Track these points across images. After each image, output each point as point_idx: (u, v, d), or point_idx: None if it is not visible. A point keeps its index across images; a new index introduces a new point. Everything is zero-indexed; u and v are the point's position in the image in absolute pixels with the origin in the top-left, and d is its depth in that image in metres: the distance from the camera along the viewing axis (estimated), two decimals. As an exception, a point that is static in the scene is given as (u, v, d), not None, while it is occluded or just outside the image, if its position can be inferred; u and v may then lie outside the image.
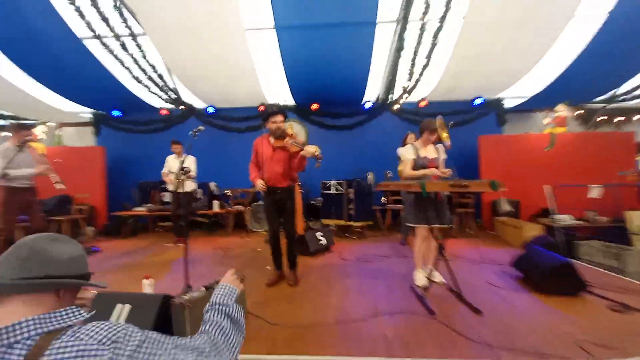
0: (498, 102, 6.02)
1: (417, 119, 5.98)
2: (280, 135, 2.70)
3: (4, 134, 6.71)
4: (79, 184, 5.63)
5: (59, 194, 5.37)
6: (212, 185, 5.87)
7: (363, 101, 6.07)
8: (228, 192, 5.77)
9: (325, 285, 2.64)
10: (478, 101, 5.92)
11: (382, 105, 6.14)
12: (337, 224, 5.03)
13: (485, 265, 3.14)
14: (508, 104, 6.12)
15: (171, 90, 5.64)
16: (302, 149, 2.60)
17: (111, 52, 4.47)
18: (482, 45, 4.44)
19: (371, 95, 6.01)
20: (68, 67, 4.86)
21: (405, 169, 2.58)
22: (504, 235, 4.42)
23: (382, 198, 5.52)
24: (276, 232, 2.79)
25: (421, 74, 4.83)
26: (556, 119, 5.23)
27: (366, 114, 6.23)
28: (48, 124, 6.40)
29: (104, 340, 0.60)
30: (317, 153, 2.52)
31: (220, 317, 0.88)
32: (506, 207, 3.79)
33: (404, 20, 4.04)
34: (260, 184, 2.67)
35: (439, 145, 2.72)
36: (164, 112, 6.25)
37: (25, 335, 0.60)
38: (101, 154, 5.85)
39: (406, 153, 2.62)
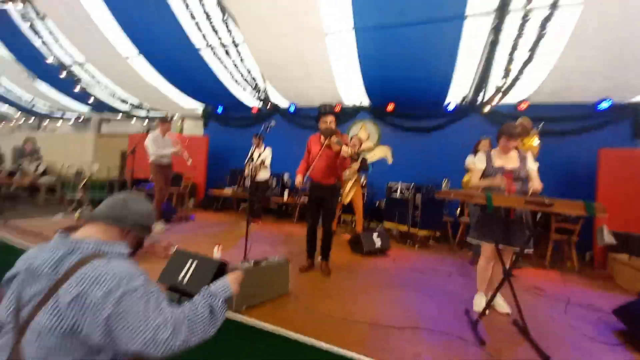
0: (635, 107, 4.62)
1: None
2: (329, 134, 2.80)
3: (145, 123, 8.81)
4: (187, 165, 6.98)
5: (174, 171, 6.79)
6: (286, 176, 6.41)
7: (446, 102, 5.57)
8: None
9: (371, 288, 2.60)
10: (604, 105, 4.69)
11: (469, 107, 5.50)
12: (399, 229, 4.82)
13: (577, 307, 2.51)
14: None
15: (262, 91, 6.38)
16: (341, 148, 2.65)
17: (218, 58, 5.39)
18: (609, 33, 3.50)
19: (456, 96, 5.46)
20: (188, 71, 6.05)
21: (473, 179, 2.30)
22: (620, 278, 3.42)
23: (457, 209, 4.99)
24: (313, 225, 2.96)
25: (520, 72, 4.12)
26: None
27: (449, 116, 5.69)
28: (174, 116, 8.11)
29: (118, 273, 0.82)
30: (349, 152, 2.71)
31: (204, 304, 1.00)
32: (609, 239, 2.92)
33: (501, 10, 3.54)
34: (299, 180, 2.86)
35: (527, 154, 2.31)
36: (255, 109, 7.11)
37: (84, 248, 0.87)
38: (205, 142, 7.09)
39: (477, 161, 2.33)
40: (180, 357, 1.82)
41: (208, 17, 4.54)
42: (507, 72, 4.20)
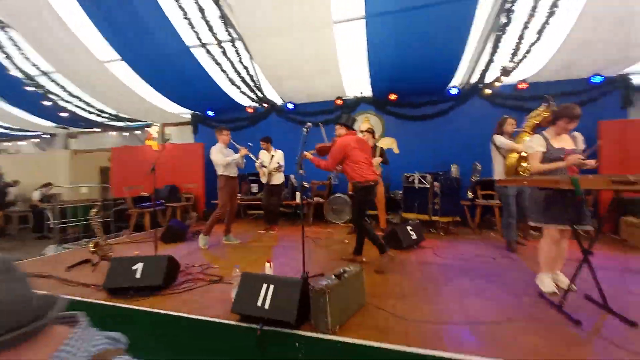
0: (624, 80, 4.95)
1: (515, 103, 5.33)
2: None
3: (137, 132, 8.09)
4: (183, 175, 6.53)
5: (170, 183, 6.33)
6: (293, 177, 6.19)
7: (448, 87, 5.64)
8: (306, 184, 6.03)
9: (432, 284, 2.56)
10: (597, 79, 4.96)
11: (471, 91, 5.61)
12: (420, 219, 4.85)
13: (626, 273, 2.66)
14: (637, 81, 4.99)
15: (258, 89, 6.07)
16: None
17: (213, 57, 5.00)
18: (611, 13, 3.66)
19: (457, 80, 5.53)
20: (177, 75, 5.59)
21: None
22: (634, 240, 3.68)
23: (469, 193, 5.11)
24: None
25: (527, 52, 4.23)
26: None
27: (451, 101, 5.77)
28: (158, 125, 7.54)
29: None
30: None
31: None
32: None
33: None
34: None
35: (576, 134, 2.35)
36: (250, 110, 6.77)
37: None
38: (200, 149, 6.66)
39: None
40: None
41: (201, 11, 4.17)
42: (513, 53, 4.30)
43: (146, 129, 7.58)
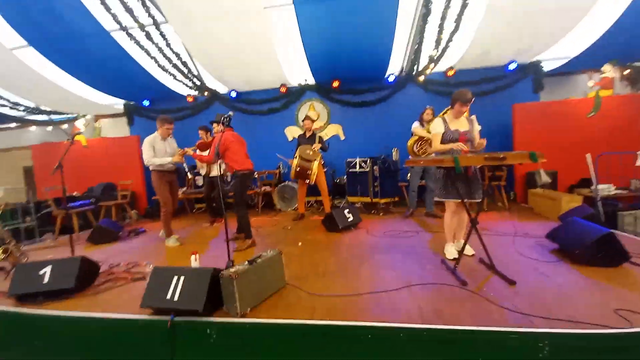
0: (535, 66, 5.55)
1: (445, 89, 5.71)
2: None
3: (64, 126, 7.26)
4: (119, 171, 6.09)
5: (104, 181, 5.88)
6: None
7: (386, 74, 5.86)
8: (255, 173, 5.96)
9: (356, 261, 2.75)
10: (512, 66, 5.50)
11: (406, 78, 5.90)
12: (363, 202, 5.10)
13: (518, 238, 3.08)
14: (547, 67, 5.63)
15: (195, 77, 5.77)
16: None
17: (137, 42, 4.62)
18: (518, 4, 4.05)
19: (394, 68, 5.77)
20: (99, 61, 5.09)
21: (434, 143, 2.54)
22: (539, 208, 4.26)
23: (408, 174, 5.46)
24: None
25: (449, 40, 4.54)
26: (602, 81, 4.77)
27: (390, 88, 6.03)
28: (86, 117, 6.85)
29: None
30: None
31: None
32: (545, 178, 3.61)
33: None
34: None
35: (473, 117, 2.62)
36: (190, 99, 6.43)
37: None
38: (136, 142, 6.22)
39: (435, 126, 2.57)
40: None
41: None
42: (437, 42, 4.58)
43: (74, 122, 6.86)
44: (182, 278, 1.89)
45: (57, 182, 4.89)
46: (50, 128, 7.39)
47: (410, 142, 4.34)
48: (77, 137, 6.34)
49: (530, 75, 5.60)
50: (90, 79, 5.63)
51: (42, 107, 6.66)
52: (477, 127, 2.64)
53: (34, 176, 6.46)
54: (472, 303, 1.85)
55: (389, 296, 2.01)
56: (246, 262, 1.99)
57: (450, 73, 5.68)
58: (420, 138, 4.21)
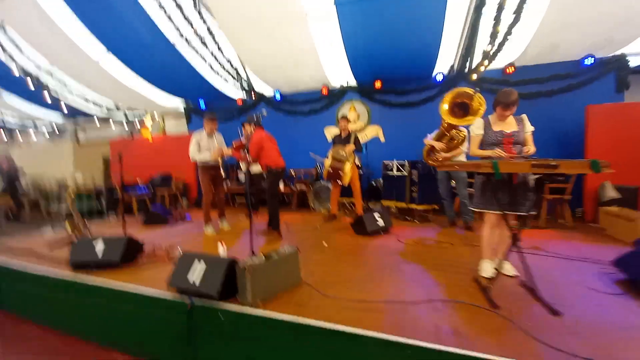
0: (619, 61, 4.66)
1: (504, 87, 5.14)
2: None
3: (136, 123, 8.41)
4: (177, 165, 6.78)
5: (165, 172, 6.62)
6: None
7: (434, 74, 5.50)
8: (292, 172, 6.12)
9: (378, 267, 2.62)
10: (589, 61, 4.70)
11: (457, 76, 5.45)
12: (398, 207, 4.86)
13: (577, 263, 2.61)
14: (634, 62, 4.69)
15: (244, 80, 6.15)
16: None
17: (195, 50, 5.11)
18: None
19: (443, 66, 5.39)
20: (165, 66, 5.74)
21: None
22: (611, 230, 3.56)
23: (452, 181, 5.05)
24: None
25: (508, 34, 4.06)
26: None
27: (437, 88, 5.64)
28: (152, 114, 7.79)
29: None
30: None
31: None
32: (611, 193, 3.00)
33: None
34: None
35: (523, 115, 2.30)
36: (239, 101, 6.88)
37: None
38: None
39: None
40: (205, 355, 1.79)
41: (179, 6, 4.27)
42: (494, 35, 4.14)
43: (143, 119, 7.85)
44: (203, 264, 2.02)
45: (125, 172, 5.67)
46: (125, 125, 8.57)
47: (423, 152, 3.79)
48: (142, 132, 7.31)
49: (612, 72, 4.73)
50: (156, 81, 6.38)
51: (120, 106, 7.78)
52: (529, 128, 2.30)
53: (110, 166, 7.59)
54: (501, 330, 1.62)
55: (405, 308, 1.87)
56: (262, 256, 2.04)
57: (510, 70, 5.09)
58: (432, 148, 3.70)
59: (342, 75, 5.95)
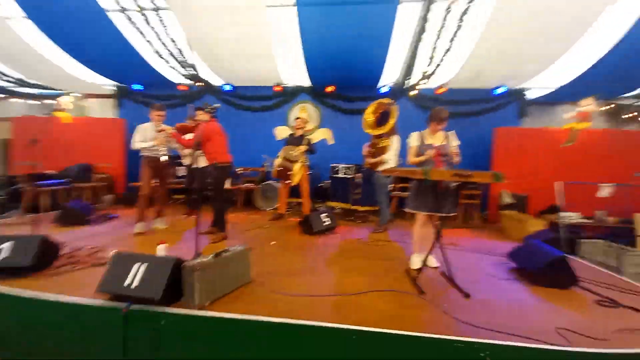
0: (521, 93, 5.79)
1: (435, 106, 5.85)
2: None
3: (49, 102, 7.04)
4: (99, 153, 5.95)
5: (83, 161, 5.73)
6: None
7: (379, 85, 5.98)
8: (239, 170, 5.95)
9: (324, 263, 2.79)
10: (500, 90, 5.71)
11: (399, 91, 6.03)
12: (342, 207, 5.15)
13: (482, 255, 3.20)
14: (532, 95, 5.88)
15: (189, 66, 5.72)
16: None
17: (134, 24, 4.57)
18: (512, 28, 4.18)
19: (388, 79, 5.90)
20: (93, 39, 4.98)
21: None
22: (508, 229, 4.42)
23: (390, 185, 5.56)
24: None
25: (442, 60, 4.69)
26: (579, 115, 5.01)
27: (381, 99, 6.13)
28: (73, 94, 6.67)
29: None
30: None
31: None
32: (507, 199, 3.76)
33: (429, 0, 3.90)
34: None
35: (451, 132, 2.72)
36: (182, 87, 6.37)
37: None
38: (122, 126, 6.11)
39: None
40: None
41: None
42: (431, 59, 4.72)
43: (58, 98, 6.67)
44: (143, 265, 1.88)
45: (33, 158, 4.76)
46: (35, 102, 7.15)
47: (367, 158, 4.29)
48: (57, 114, 6.21)
49: (516, 101, 5.84)
50: (82, 56, 5.50)
51: (29, 80, 6.46)
52: (455, 142, 2.73)
53: (11, 149, 6.23)
54: (427, 311, 1.92)
55: (349, 300, 2.05)
56: (212, 255, 2.00)
57: (440, 91, 5.85)
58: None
59: (296, 75, 6.02)
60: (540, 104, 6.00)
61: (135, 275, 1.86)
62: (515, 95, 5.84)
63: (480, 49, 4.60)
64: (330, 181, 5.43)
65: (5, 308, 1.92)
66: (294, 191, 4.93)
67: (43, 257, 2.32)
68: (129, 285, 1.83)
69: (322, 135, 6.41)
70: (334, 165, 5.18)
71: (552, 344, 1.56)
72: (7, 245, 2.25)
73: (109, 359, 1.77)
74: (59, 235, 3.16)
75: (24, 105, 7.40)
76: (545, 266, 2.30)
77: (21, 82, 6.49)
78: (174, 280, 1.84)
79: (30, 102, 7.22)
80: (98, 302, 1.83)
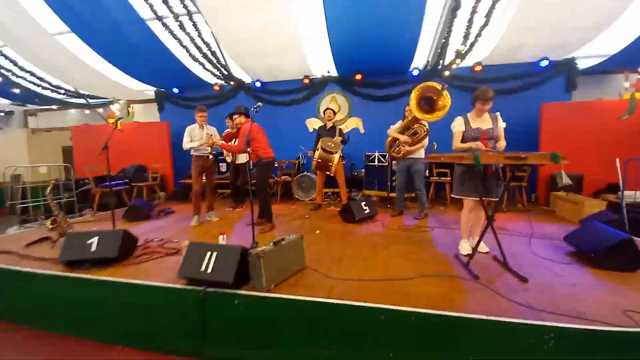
0: (569, 64, 5.32)
1: (471, 85, 5.60)
2: None
3: (100, 110, 7.74)
4: (150, 155, 6.47)
5: (137, 163, 6.27)
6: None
7: (411, 68, 5.81)
8: (277, 163, 6.16)
9: (372, 250, 2.88)
10: (544, 63, 5.30)
11: (431, 72, 5.82)
12: (379, 196, 5.17)
13: (535, 239, 3.09)
14: (582, 64, 5.38)
15: (222, 66, 5.96)
16: None
17: (171, 32, 4.85)
18: None
19: (420, 61, 5.71)
20: (134, 48, 5.36)
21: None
22: (561, 212, 4.18)
23: (426, 170, 5.46)
24: None
25: (478, 35, 4.44)
26: (638, 82, 4.52)
27: (414, 83, 5.95)
28: (120, 102, 7.26)
29: None
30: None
31: None
32: (566, 180, 3.53)
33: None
34: None
35: (497, 113, 2.63)
36: (216, 87, 6.66)
37: None
38: (166, 128, 6.56)
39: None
40: (218, 341, 1.89)
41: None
42: (466, 37, 4.49)
43: (109, 106, 7.30)
44: (214, 253, 2.10)
45: (97, 162, 5.31)
46: (87, 111, 7.89)
47: (386, 143, 4.20)
48: (110, 120, 6.81)
49: (563, 74, 5.38)
50: (124, 65, 5.95)
51: (80, 91, 7.12)
52: (502, 125, 2.64)
53: (73, 155, 6.98)
54: (482, 295, 1.94)
55: (401, 284, 2.13)
56: (271, 243, 2.17)
57: (478, 69, 5.55)
58: (394, 139, 4.01)
59: (323, 66, 6.03)
60: (590, 75, 5.48)
61: (209, 262, 2.08)
62: (562, 67, 5.36)
63: (518, 21, 4.28)
64: (364, 169, 5.45)
65: (103, 293, 2.26)
66: (330, 181, 5.03)
67: (125, 249, 2.65)
68: (205, 270, 2.06)
69: (353, 124, 6.44)
70: (369, 153, 5.19)
71: (620, 326, 1.53)
72: (95, 240, 2.60)
73: (191, 333, 2.02)
74: (129, 229, 3.55)
75: (77, 115, 8.20)
76: (609, 248, 2.20)
77: (74, 94, 7.17)
78: (242, 266, 2.04)
79: (84, 111, 7.97)
80: (180, 286, 2.09)
